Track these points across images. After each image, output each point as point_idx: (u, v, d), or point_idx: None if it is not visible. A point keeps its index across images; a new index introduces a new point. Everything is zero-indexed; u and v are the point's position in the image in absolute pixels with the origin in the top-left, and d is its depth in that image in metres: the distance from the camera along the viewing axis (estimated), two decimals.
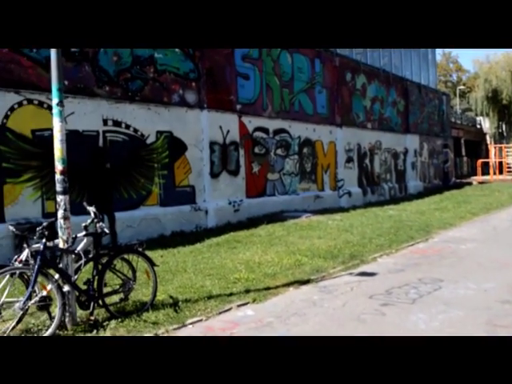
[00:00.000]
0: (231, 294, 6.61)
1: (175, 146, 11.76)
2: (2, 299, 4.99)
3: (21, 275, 5.20)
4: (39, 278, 5.14)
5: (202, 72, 12.42)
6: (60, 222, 5.41)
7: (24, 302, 4.93)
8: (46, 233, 5.20)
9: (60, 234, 5.41)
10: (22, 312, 4.96)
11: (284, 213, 13.90)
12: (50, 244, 5.39)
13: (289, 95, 15.58)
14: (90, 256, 5.61)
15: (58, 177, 5.42)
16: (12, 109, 8.91)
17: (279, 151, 15.05)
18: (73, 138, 9.82)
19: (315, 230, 11.51)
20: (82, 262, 5.48)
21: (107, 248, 6.10)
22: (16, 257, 5.23)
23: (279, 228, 11.70)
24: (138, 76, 11.08)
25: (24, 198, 8.94)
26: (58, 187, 5.42)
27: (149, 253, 9.37)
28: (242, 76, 13.70)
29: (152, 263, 6.09)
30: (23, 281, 5.25)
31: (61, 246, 5.41)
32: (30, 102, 9.18)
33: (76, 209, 9.73)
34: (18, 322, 5.16)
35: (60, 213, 5.40)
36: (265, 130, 14.48)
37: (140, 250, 6.04)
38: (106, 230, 5.64)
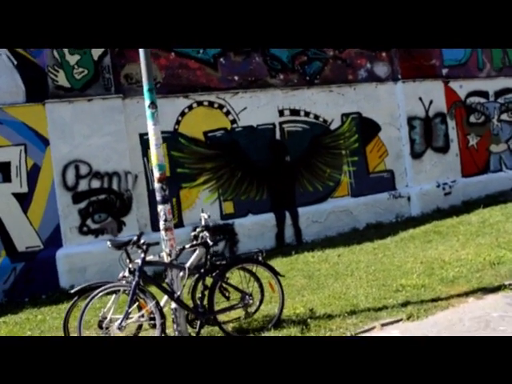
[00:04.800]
0: (384, 308, 5.34)
1: (365, 128, 10.50)
2: (109, 316, 4.78)
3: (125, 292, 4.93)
4: (140, 295, 4.81)
5: None
6: (162, 233, 4.97)
7: (121, 322, 4.62)
8: (145, 247, 4.82)
9: (162, 246, 4.98)
10: (120, 331, 4.66)
11: None
12: (153, 258, 5.03)
13: None
14: (201, 270, 5.07)
15: (156, 185, 5.00)
16: (183, 113, 8.97)
17: (505, 116, 12.36)
18: (247, 134, 9.55)
19: None
20: (186, 275, 4.97)
21: (226, 259, 5.48)
22: (121, 273, 4.99)
23: (498, 212, 9.47)
24: (316, 57, 10.18)
25: (201, 202, 8.92)
26: (157, 196, 4.98)
27: (329, 251, 8.54)
28: None
29: (275, 273, 5.24)
30: None
31: (164, 259, 4.98)
32: (199, 104, 9.12)
33: (256, 208, 9.52)
34: None
35: (161, 224, 4.96)
36: (483, 94, 12.03)
37: (259, 259, 5.24)
38: (209, 241, 5.00)
